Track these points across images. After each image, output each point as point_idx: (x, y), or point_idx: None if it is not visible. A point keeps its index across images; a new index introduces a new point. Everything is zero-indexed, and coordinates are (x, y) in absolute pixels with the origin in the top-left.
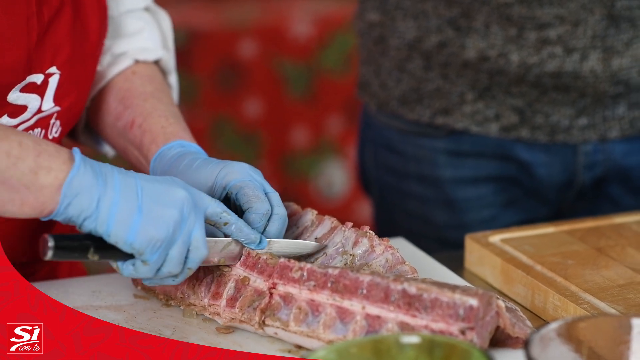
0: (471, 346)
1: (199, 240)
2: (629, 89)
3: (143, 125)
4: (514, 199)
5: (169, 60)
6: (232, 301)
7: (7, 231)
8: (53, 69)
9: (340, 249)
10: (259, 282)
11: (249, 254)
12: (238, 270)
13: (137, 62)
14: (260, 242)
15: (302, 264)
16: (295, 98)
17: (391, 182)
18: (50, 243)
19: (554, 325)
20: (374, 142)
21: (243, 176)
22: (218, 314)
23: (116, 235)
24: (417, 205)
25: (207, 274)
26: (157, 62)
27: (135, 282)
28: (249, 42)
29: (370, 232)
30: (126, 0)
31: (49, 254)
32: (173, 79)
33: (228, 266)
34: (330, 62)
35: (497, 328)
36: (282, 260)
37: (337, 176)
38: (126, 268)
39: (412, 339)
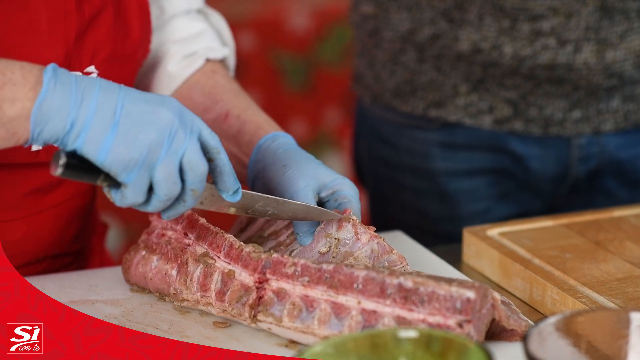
0: (468, 340)
1: (193, 159)
2: (623, 82)
3: (242, 116)
4: (507, 191)
5: (231, 57)
6: (221, 295)
7: (39, 224)
8: (91, 68)
9: (322, 233)
10: (244, 276)
11: (231, 245)
12: (222, 263)
13: (207, 60)
14: (235, 193)
15: (296, 259)
16: (293, 91)
17: (385, 174)
18: (62, 160)
19: (552, 320)
20: (368, 134)
21: (353, 194)
22: (211, 304)
23: (87, 153)
24: (411, 198)
25: (196, 268)
26: (222, 61)
27: (128, 279)
28: (246, 34)
29: (354, 218)
30: (181, 2)
31: (59, 171)
32: (231, 75)
33: (213, 258)
34: (328, 54)
35: (492, 321)
36: (275, 255)
37: (335, 168)
38: (116, 196)
39: (410, 334)
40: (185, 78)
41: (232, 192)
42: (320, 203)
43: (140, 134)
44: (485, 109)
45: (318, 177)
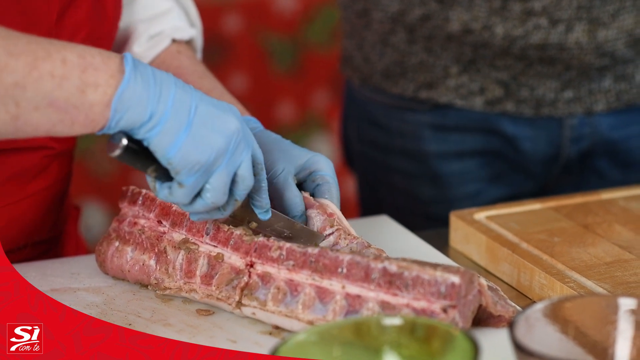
0: (453, 327)
1: (246, 173)
2: (615, 62)
3: None
4: (499, 173)
5: (198, 38)
6: (207, 278)
7: (21, 212)
8: None
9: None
10: (234, 259)
11: (219, 228)
12: (208, 247)
13: (173, 41)
14: (267, 211)
15: (282, 243)
16: (280, 72)
17: (375, 157)
18: (123, 143)
19: (539, 306)
20: (357, 116)
21: (330, 173)
22: (194, 291)
23: (156, 146)
24: (402, 180)
25: (177, 255)
26: (188, 42)
27: (105, 272)
28: (233, 16)
29: (340, 228)
30: None
31: (117, 152)
32: (199, 57)
33: (195, 243)
34: (315, 36)
35: (479, 307)
36: (261, 238)
37: (323, 151)
38: (162, 190)
39: (394, 321)
40: (150, 59)
41: (265, 210)
42: (298, 185)
43: (209, 138)
44: (476, 90)
45: (293, 159)
